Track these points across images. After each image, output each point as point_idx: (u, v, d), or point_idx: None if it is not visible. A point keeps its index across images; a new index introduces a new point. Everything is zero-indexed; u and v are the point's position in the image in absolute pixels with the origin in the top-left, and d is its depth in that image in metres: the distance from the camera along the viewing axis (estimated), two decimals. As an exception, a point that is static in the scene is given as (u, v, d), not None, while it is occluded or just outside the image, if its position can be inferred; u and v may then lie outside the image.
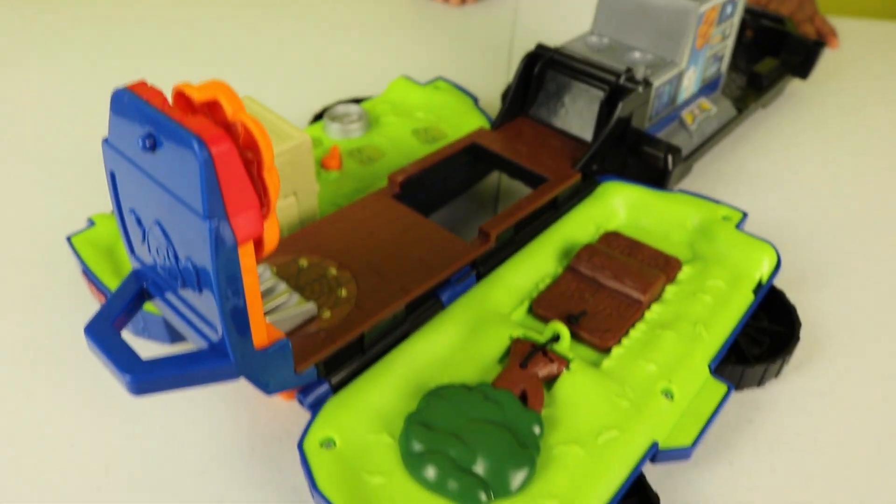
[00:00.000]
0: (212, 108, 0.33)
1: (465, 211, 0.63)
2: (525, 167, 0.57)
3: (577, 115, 0.60)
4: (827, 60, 0.94)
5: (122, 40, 0.91)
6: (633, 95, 0.57)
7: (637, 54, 0.63)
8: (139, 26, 0.94)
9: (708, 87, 0.70)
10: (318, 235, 0.51)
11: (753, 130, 0.78)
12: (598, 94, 0.59)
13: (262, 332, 0.38)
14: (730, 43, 0.69)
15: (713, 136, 0.69)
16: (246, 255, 0.35)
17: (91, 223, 0.55)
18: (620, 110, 0.57)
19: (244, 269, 0.35)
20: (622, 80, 0.57)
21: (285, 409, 0.48)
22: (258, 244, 0.36)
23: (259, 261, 0.36)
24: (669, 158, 0.59)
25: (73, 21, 0.96)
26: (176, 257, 0.36)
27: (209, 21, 0.96)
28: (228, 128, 0.33)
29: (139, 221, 0.37)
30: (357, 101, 0.73)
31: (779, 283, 0.59)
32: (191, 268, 0.35)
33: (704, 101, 0.69)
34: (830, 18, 1.04)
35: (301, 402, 0.43)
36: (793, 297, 0.58)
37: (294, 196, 0.54)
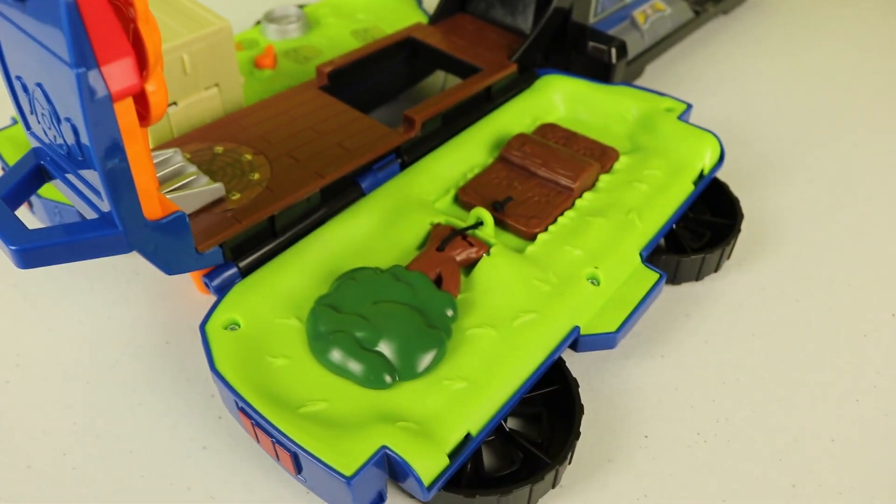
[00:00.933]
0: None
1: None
2: (461, 59, 0.55)
3: (516, 8, 0.58)
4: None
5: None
6: (571, -16, 0.55)
7: (583, -54, 0.60)
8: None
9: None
10: (238, 124, 0.49)
11: (714, 36, 0.76)
12: (539, -17, 0.56)
13: (154, 202, 0.36)
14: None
15: (667, 38, 0.67)
16: (125, 112, 0.33)
17: (14, 121, 0.53)
18: (557, 1, 0.54)
19: (124, 130, 0.33)
20: (560, -28, 0.55)
21: (205, 302, 0.47)
22: (144, 107, 0.34)
23: (146, 124, 0.34)
24: (613, 52, 0.57)
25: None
26: (59, 121, 0.34)
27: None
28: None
29: (25, 88, 0.36)
30: (302, 6, 0.70)
31: (725, 177, 0.57)
32: (70, 129, 0.34)
33: (658, 2, 0.67)
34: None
35: (207, 286, 0.41)
36: (739, 191, 0.56)
37: (216, 87, 0.52)
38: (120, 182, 0.33)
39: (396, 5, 0.66)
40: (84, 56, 0.30)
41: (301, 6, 0.69)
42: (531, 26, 0.57)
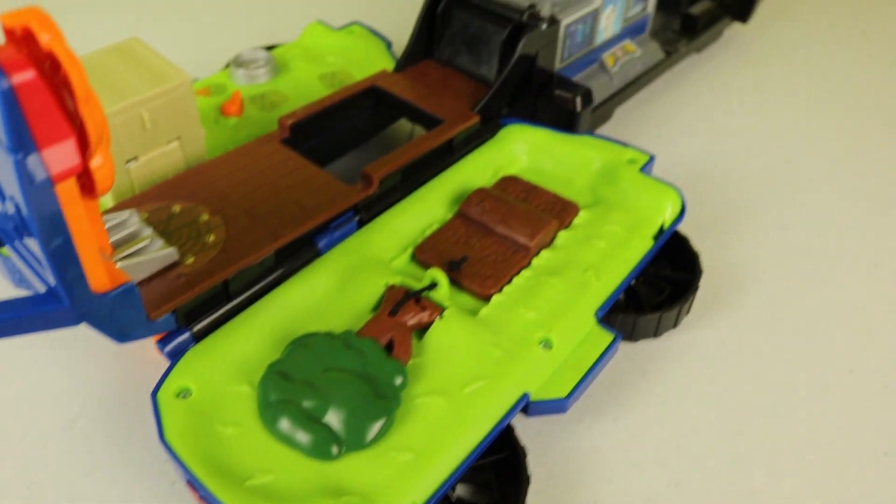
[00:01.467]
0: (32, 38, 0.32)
1: (370, 160, 0.62)
2: (423, 109, 0.55)
3: (482, 56, 0.58)
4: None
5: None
6: (535, 33, 0.55)
7: (550, -10, 0.60)
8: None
9: (633, 29, 0.68)
10: (198, 180, 0.50)
11: (686, 76, 0.76)
12: (502, 33, 0.57)
13: (101, 275, 0.37)
14: (652, -16, 0.67)
15: (637, 80, 0.67)
16: (67, 192, 0.33)
17: None
18: (521, 49, 0.55)
19: (67, 208, 0.33)
20: (524, 18, 0.55)
21: (163, 362, 0.47)
22: (89, 183, 0.34)
23: (93, 197, 0.34)
24: (578, 100, 0.57)
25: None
26: (3, 197, 0.35)
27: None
28: (43, 58, 0.31)
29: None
30: (271, 47, 0.71)
31: (688, 229, 0.57)
32: (14, 206, 0.34)
33: (629, 43, 0.68)
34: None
35: (161, 351, 0.41)
36: (704, 239, 0.57)
37: (178, 140, 0.52)
38: (64, 258, 0.34)
39: (367, 48, 0.67)
40: (22, 141, 0.30)
41: (272, 47, 0.70)
42: (495, 74, 0.57)
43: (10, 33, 0.33)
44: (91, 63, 0.52)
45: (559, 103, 0.58)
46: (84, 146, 0.33)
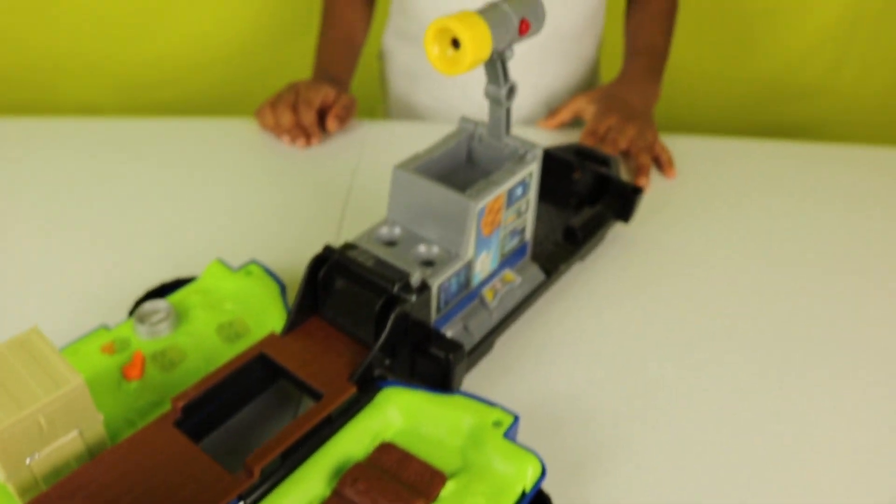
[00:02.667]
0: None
1: (264, 412, 0.69)
2: (305, 381, 0.61)
3: (360, 320, 0.64)
4: (661, 190, 0.99)
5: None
6: (406, 305, 0.61)
7: (423, 248, 0.67)
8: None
9: (513, 258, 0.74)
10: (91, 476, 0.55)
11: (569, 287, 0.82)
12: (376, 303, 0.63)
13: None
14: (530, 215, 0.74)
15: (518, 308, 0.73)
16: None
17: None
18: (393, 320, 0.61)
19: None
20: (395, 290, 0.61)
21: None
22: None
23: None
24: (451, 358, 0.63)
25: None
26: None
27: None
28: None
29: None
30: (179, 282, 0.76)
31: (558, 471, 0.64)
32: None
33: (509, 272, 0.74)
34: (673, 138, 1.10)
35: None
36: (569, 484, 0.63)
37: (77, 431, 0.58)
38: None
39: (262, 294, 0.73)
40: None
41: (175, 282, 0.77)
42: (373, 339, 0.63)
43: None
44: (-7, 361, 0.57)
45: (435, 361, 0.63)
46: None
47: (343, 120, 1.10)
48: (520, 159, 0.70)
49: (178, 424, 0.59)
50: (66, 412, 0.56)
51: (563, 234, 0.82)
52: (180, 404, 0.59)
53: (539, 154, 0.70)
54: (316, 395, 0.61)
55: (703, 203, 0.98)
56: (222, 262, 0.76)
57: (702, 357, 0.76)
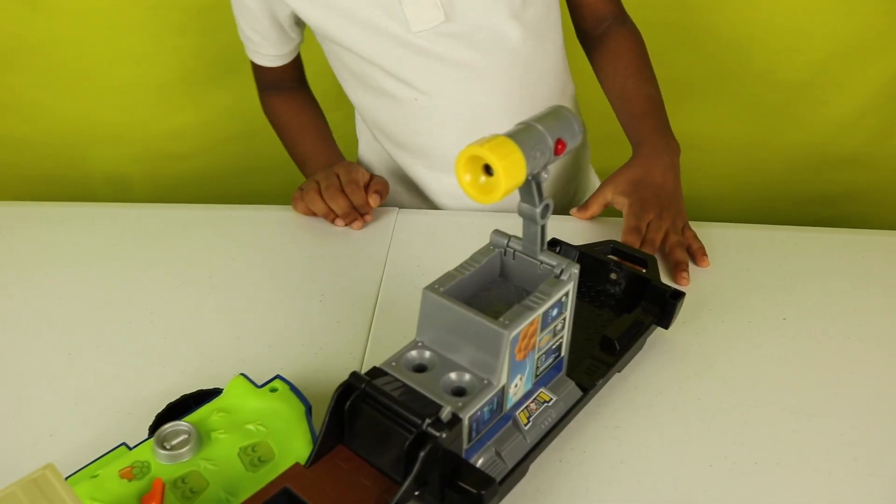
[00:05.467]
0: None
1: None
2: (330, 522, 0.59)
3: (388, 454, 0.63)
4: (697, 286, 0.97)
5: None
6: (437, 442, 0.59)
7: (454, 375, 0.65)
8: None
9: (548, 377, 0.72)
10: None
11: (606, 398, 0.80)
12: (405, 440, 0.61)
13: None
14: (566, 333, 0.72)
15: (553, 428, 0.71)
16: None
17: None
18: (423, 458, 0.59)
19: None
20: (426, 426, 0.60)
21: None
22: None
23: None
24: (483, 495, 0.61)
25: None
26: None
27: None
28: None
29: None
30: (201, 394, 0.75)
31: None
32: None
33: (544, 392, 0.72)
34: (706, 227, 1.08)
35: None
36: None
37: (89, 576, 0.56)
38: None
39: (286, 415, 0.71)
40: None
41: (201, 394, 0.76)
42: (402, 474, 0.61)
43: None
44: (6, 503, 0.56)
45: (466, 496, 0.61)
46: None
47: (382, 196, 1.12)
48: (556, 279, 0.68)
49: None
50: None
51: (601, 345, 0.80)
52: (201, 551, 0.57)
53: (576, 273, 0.69)
54: (343, 540, 0.59)
55: (743, 299, 0.97)
56: (246, 378, 0.75)
57: (755, 482, 0.73)
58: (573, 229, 1.07)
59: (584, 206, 1.12)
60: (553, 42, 1.22)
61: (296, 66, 1.30)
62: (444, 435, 0.61)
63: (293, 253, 1.06)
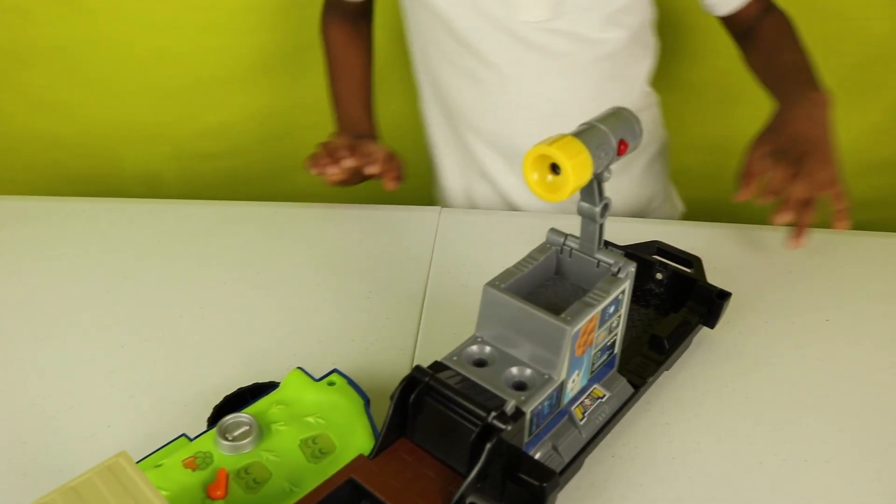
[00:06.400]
0: None
1: None
2: (398, 513, 0.60)
3: (452, 446, 0.64)
4: (741, 285, 0.97)
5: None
6: (502, 434, 0.61)
7: (515, 370, 0.66)
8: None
9: (601, 373, 0.74)
10: None
11: (655, 395, 0.81)
12: (471, 429, 0.62)
13: None
14: (620, 331, 0.73)
15: (607, 424, 0.72)
16: None
17: None
18: (489, 451, 0.60)
19: None
20: (491, 419, 0.61)
21: None
22: None
23: None
24: (545, 487, 0.62)
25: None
26: None
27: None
28: None
29: None
30: (257, 387, 0.77)
31: None
32: None
33: (597, 388, 0.73)
34: (753, 229, 1.10)
35: None
36: None
37: (165, 563, 0.57)
38: None
39: (345, 408, 0.73)
40: None
41: (257, 387, 0.77)
42: (466, 465, 0.63)
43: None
44: (83, 490, 0.58)
45: (528, 488, 0.63)
46: None
47: (398, 180, 1.12)
48: (613, 276, 0.69)
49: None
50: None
51: (649, 343, 0.81)
52: (273, 540, 0.59)
53: (632, 271, 0.70)
54: (411, 531, 0.60)
55: (785, 301, 0.98)
56: (303, 371, 0.76)
57: (807, 479, 0.74)
58: (617, 231, 1.08)
59: (744, 182, 1.00)
60: (646, 49, 1.23)
61: None
62: (508, 428, 0.62)
63: (338, 250, 1.08)
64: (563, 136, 0.61)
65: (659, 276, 0.90)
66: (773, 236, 1.09)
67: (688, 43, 1.53)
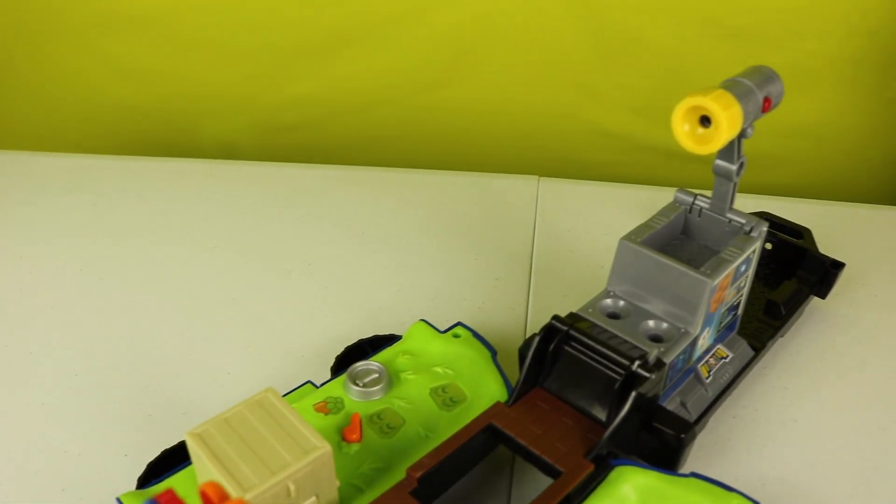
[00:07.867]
0: None
1: (476, 478, 0.70)
2: (539, 455, 0.62)
3: (592, 395, 0.65)
4: (849, 260, 0.96)
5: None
6: (647, 383, 0.61)
7: (651, 323, 0.67)
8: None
9: (724, 332, 0.74)
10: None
11: (771, 362, 0.81)
12: (613, 378, 0.63)
13: None
14: (746, 291, 0.74)
15: (731, 384, 0.73)
16: None
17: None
18: (633, 399, 0.61)
19: None
20: (635, 367, 0.62)
21: None
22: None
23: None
24: (682, 437, 0.63)
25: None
26: None
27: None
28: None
29: None
30: (377, 339, 0.78)
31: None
32: None
33: (721, 348, 0.74)
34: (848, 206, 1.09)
35: None
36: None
37: (315, 497, 0.59)
38: None
39: (473, 358, 0.74)
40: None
41: (378, 339, 0.79)
42: (607, 416, 0.64)
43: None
44: (235, 422, 0.59)
45: (664, 439, 0.63)
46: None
47: None
48: (746, 235, 0.70)
49: (413, 493, 0.60)
50: (311, 478, 0.58)
51: (765, 309, 0.82)
52: (417, 475, 0.60)
53: (764, 230, 0.71)
54: (552, 472, 0.61)
55: (893, 276, 0.98)
56: (427, 324, 0.77)
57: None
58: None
59: None
60: None
61: None
62: (652, 377, 0.62)
63: (441, 213, 1.10)
64: (714, 89, 0.61)
65: (769, 245, 0.90)
66: (875, 215, 1.09)
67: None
